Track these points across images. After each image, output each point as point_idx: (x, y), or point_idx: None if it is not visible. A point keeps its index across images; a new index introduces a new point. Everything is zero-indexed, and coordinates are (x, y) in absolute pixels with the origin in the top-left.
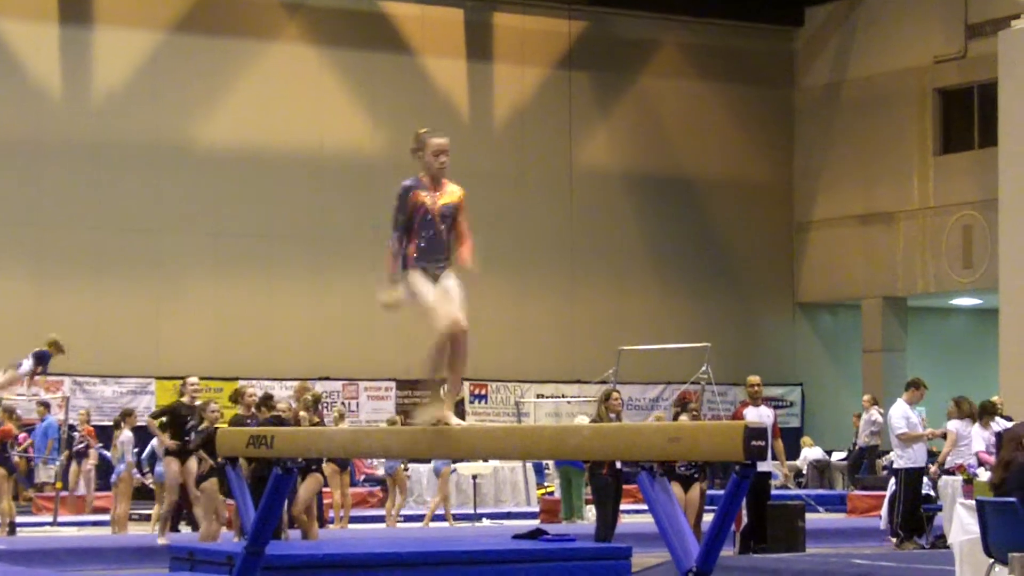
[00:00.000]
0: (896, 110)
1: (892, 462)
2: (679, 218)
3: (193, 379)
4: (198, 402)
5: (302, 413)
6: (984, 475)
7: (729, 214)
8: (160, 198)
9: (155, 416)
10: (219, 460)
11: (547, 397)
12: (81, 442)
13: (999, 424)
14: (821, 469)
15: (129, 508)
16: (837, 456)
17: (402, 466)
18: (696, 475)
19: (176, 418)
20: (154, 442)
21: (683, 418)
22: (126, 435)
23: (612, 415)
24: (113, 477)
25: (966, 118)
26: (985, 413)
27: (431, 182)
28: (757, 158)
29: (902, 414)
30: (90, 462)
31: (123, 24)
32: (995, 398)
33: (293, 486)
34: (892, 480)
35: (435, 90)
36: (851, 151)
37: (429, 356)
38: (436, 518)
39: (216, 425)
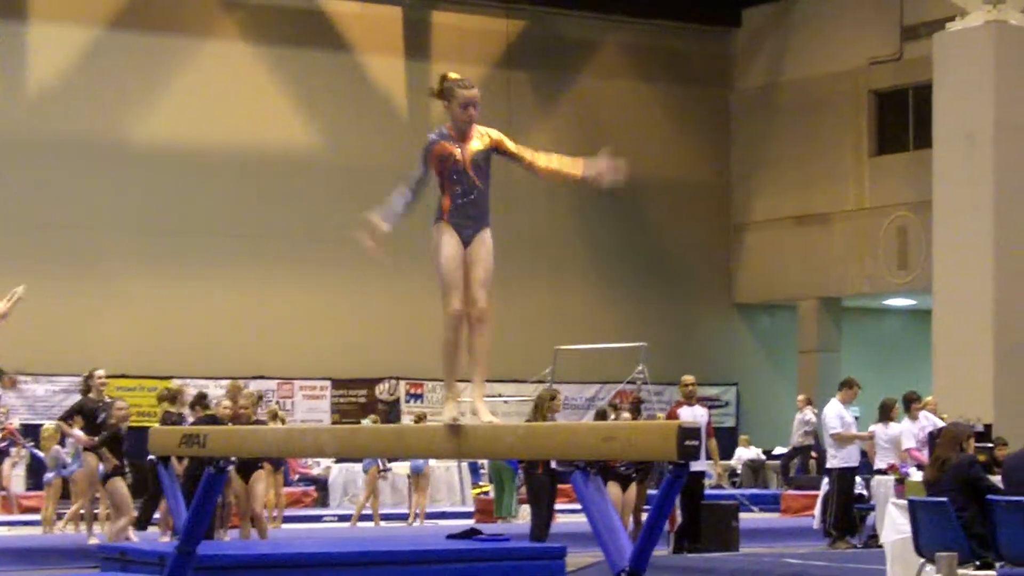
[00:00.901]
0: (832, 112)
1: (826, 461)
2: (616, 218)
3: (100, 372)
4: (107, 398)
5: (251, 415)
6: (916, 475)
7: (666, 214)
8: (95, 195)
9: (66, 418)
10: (123, 460)
11: (483, 396)
12: (3, 441)
13: (929, 419)
14: (756, 469)
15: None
16: (778, 452)
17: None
18: (635, 475)
19: (86, 414)
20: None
21: (625, 416)
22: (79, 435)
23: (550, 415)
24: (49, 476)
25: (901, 120)
26: (910, 403)
27: (458, 133)
28: (695, 159)
29: (836, 414)
30: (14, 460)
31: (58, 19)
32: (929, 399)
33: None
34: (825, 480)
35: (373, 88)
36: (787, 152)
37: (442, 350)
38: (394, 518)
39: (123, 424)
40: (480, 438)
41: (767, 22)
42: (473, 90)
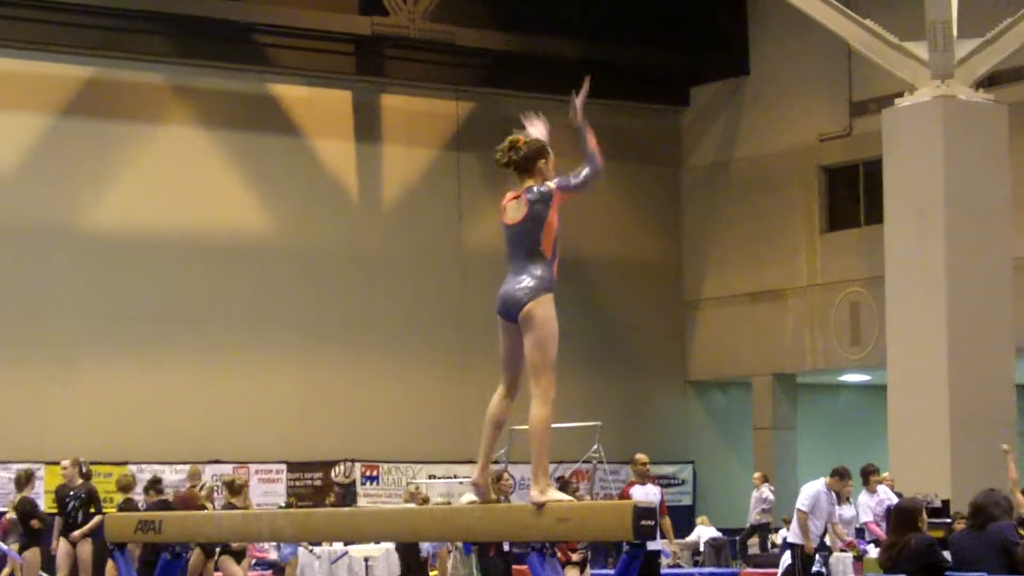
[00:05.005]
0: (783, 188)
1: (785, 538)
2: (569, 297)
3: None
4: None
5: (232, 499)
6: (874, 552)
7: (619, 292)
8: (48, 280)
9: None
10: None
11: (439, 477)
12: None
13: (887, 493)
14: (718, 548)
15: None
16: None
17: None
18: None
19: (58, 500)
20: None
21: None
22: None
23: (502, 496)
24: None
25: (852, 195)
26: (868, 475)
27: None
28: (646, 237)
29: (812, 493)
30: None
31: (10, 108)
32: (885, 474)
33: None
34: (783, 556)
35: (324, 171)
36: (739, 229)
37: (546, 429)
38: None
39: None
40: (437, 520)
41: (715, 100)
42: None
